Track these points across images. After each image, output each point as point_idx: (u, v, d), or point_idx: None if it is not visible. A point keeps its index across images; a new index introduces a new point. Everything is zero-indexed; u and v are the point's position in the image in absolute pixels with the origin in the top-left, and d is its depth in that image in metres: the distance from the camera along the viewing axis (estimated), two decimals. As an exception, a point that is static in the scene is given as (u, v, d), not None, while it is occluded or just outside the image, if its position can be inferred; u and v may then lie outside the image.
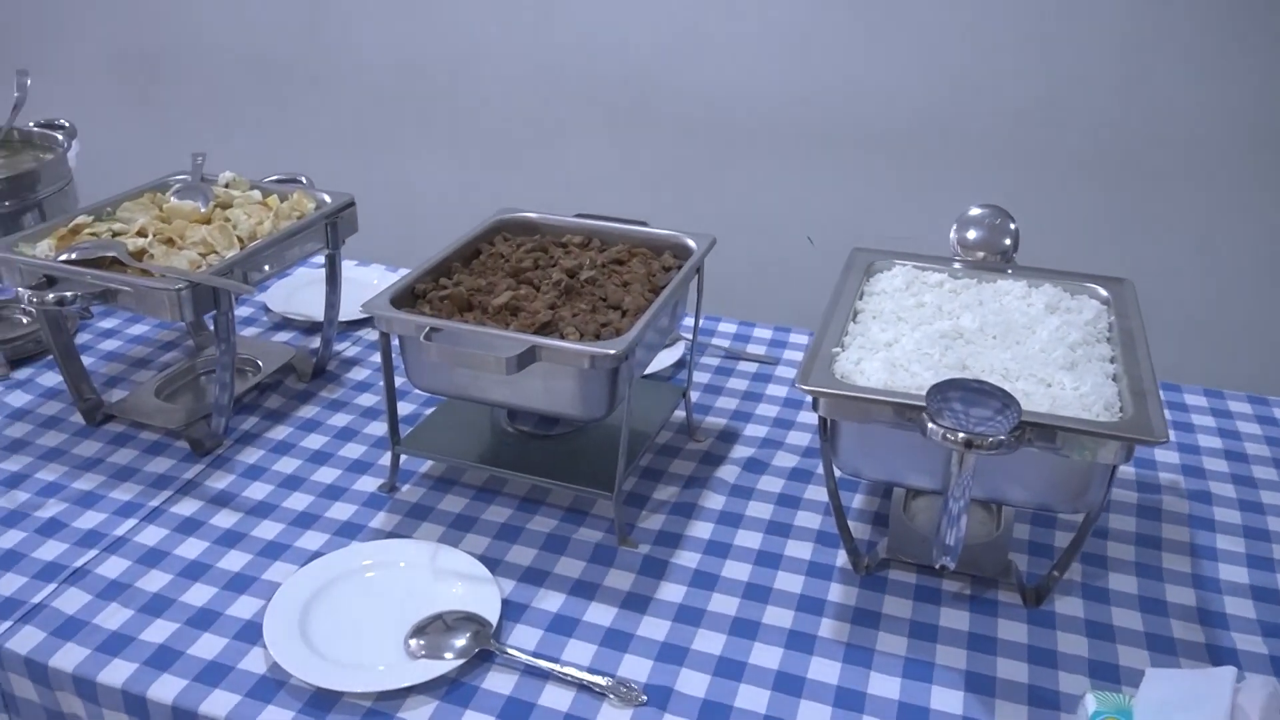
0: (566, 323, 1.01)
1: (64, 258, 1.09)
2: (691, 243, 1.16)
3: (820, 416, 0.92)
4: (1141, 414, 0.85)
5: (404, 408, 1.25)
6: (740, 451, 1.20)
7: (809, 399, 0.91)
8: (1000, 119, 1.79)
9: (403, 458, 1.12)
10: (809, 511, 1.10)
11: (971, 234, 1.14)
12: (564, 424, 1.15)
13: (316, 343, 1.41)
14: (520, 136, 2.12)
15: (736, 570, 1.01)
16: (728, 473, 1.16)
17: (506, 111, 2.11)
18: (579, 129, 2.07)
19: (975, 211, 1.14)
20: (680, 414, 1.24)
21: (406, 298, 1.05)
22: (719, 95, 1.94)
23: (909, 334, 0.98)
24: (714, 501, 1.11)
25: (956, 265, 1.13)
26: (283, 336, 1.43)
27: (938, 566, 0.88)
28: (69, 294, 1.04)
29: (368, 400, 1.28)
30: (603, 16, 1.96)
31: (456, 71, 2.11)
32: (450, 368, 1.01)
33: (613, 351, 0.94)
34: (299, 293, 1.51)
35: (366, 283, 1.55)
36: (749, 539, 1.06)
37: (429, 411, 1.24)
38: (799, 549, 1.04)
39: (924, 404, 0.83)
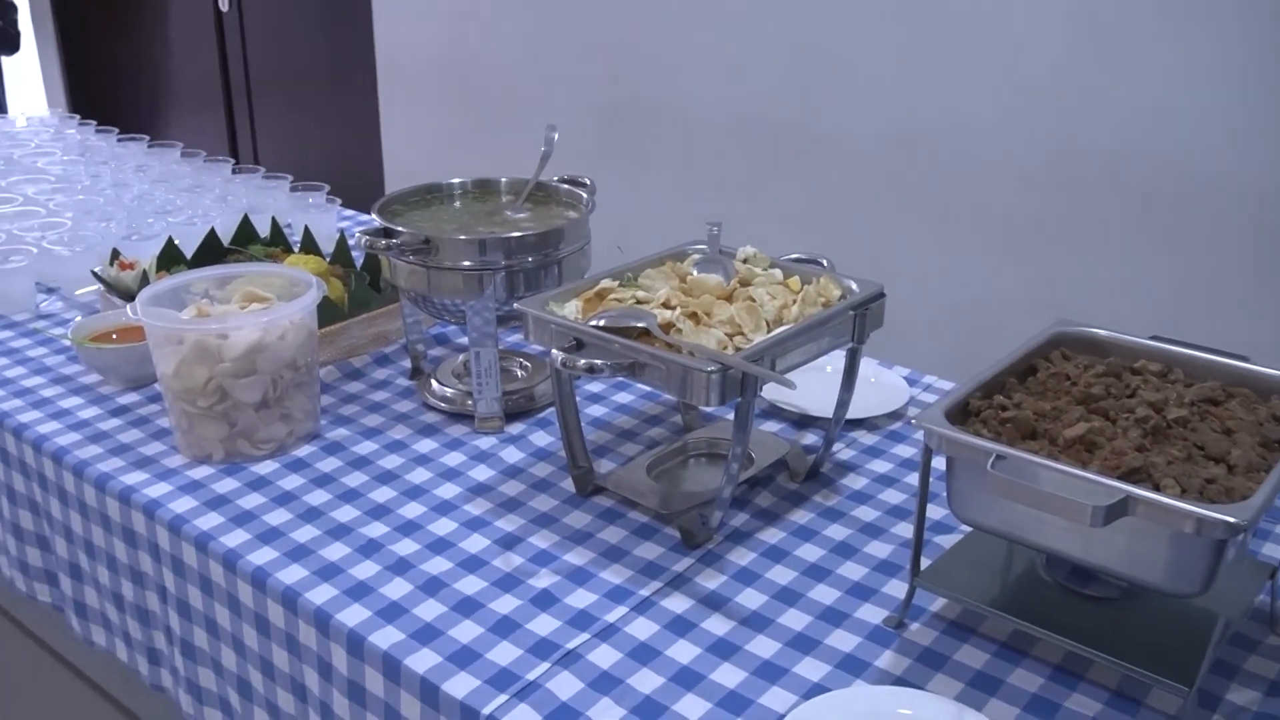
0: (1161, 471, 0.83)
1: (594, 323, 1.06)
2: (1314, 389, 0.93)
3: None
4: None
5: (905, 529, 1.12)
6: (1343, 660, 0.94)
7: None
8: None
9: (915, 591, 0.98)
10: None
11: None
12: (1104, 581, 0.96)
13: (808, 438, 1.31)
14: (1021, 224, 1.94)
15: (1365, 830, 0.77)
16: (1330, 686, 0.91)
17: (1010, 198, 1.94)
18: (1095, 224, 1.85)
19: None
20: (1262, 598, 1.00)
21: (958, 413, 0.91)
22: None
23: None
24: (1317, 722, 0.87)
25: None
26: (770, 427, 1.35)
27: None
28: (599, 362, 1.01)
29: (866, 514, 1.16)
30: (1128, 96, 1.74)
31: (954, 149, 1.97)
32: (1009, 502, 0.85)
33: (1232, 520, 0.75)
34: (790, 382, 1.42)
35: (863, 376, 1.43)
36: (1377, 788, 0.80)
37: (941, 539, 1.10)
38: None
39: None
